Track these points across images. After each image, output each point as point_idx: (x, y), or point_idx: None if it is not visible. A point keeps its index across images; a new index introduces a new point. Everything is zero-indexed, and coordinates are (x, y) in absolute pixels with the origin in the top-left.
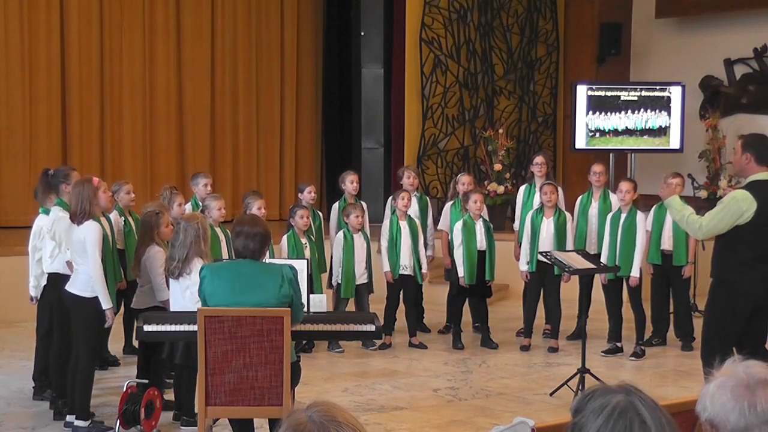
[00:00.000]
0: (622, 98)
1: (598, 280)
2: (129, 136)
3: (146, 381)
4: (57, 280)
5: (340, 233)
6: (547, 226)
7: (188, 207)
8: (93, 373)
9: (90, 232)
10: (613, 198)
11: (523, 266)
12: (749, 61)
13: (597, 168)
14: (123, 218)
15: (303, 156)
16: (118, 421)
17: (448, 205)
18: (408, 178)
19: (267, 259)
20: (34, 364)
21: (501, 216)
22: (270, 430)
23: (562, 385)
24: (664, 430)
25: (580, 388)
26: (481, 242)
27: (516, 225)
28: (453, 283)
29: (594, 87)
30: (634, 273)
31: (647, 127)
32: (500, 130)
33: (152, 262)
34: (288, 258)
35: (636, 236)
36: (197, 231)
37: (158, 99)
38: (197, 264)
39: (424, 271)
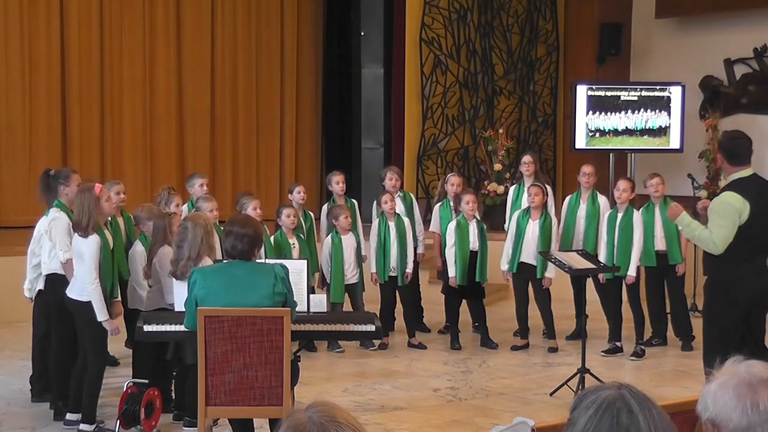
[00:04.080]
0: (622, 98)
1: (591, 280)
2: (129, 136)
3: (146, 381)
4: (55, 281)
5: (329, 237)
6: (533, 228)
7: (185, 208)
8: (102, 377)
9: (89, 246)
10: (602, 200)
11: (504, 266)
12: (749, 61)
13: (587, 169)
14: (110, 218)
15: (303, 156)
16: (118, 421)
17: (438, 206)
18: (390, 180)
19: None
20: (32, 366)
21: (501, 216)
22: (270, 430)
23: (562, 385)
24: (654, 419)
25: (580, 388)
26: (474, 243)
27: (507, 225)
28: (444, 284)
29: (594, 87)
30: (631, 272)
31: (647, 127)
32: (500, 130)
33: (164, 263)
34: (275, 257)
35: (633, 235)
36: (206, 228)
37: (158, 99)
38: (207, 262)
39: (408, 270)
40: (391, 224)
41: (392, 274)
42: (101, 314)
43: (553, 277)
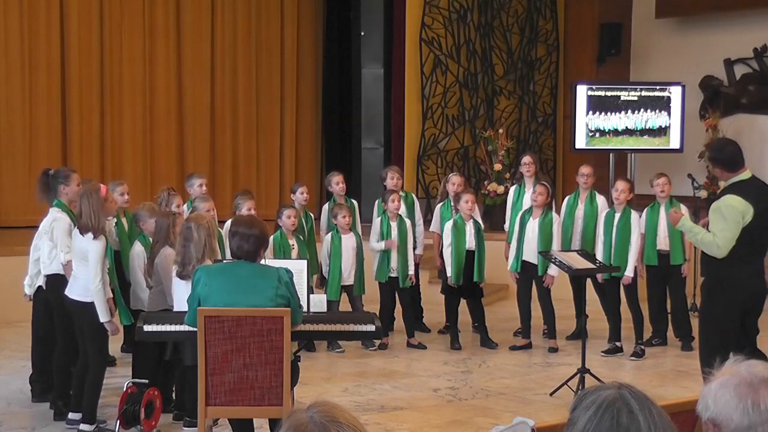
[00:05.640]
0: (622, 98)
1: (590, 280)
2: (129, 136)
3: (146, 381)
4: (56, 281)
5: (329, 235)
6: (533, 226)
7: (184, 208)
8: (102, 377)
9: (95, 247)
10: (600, 200)
11: (510, 265)
12: (749, 61)
13: (585, 170)
14: (115, 219)
15: (303, 156)
16: (118, 421)
17: (439, 206)
18: (392, 179)
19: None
20: (31, 366)
21: (501, 216)
22: (270, 430)
23: (562, 385)
24: (654, 419)
25: (580, 388)
26: (470, 243)
27: (506, 225)
28: (443, 283)
29: (594, 87)
30: (628, 272)
31: (647, 127)
32: (500, 130)
33: (166, 265)
34: (274, 258)
35: (630, 236)
36: (208, 230)
37: (158, 99)
38: (208, 264)
39: (410, 273)
40: (393, 224)
41: (392, 275)
42: (104, 315)
43: (556, 275)
